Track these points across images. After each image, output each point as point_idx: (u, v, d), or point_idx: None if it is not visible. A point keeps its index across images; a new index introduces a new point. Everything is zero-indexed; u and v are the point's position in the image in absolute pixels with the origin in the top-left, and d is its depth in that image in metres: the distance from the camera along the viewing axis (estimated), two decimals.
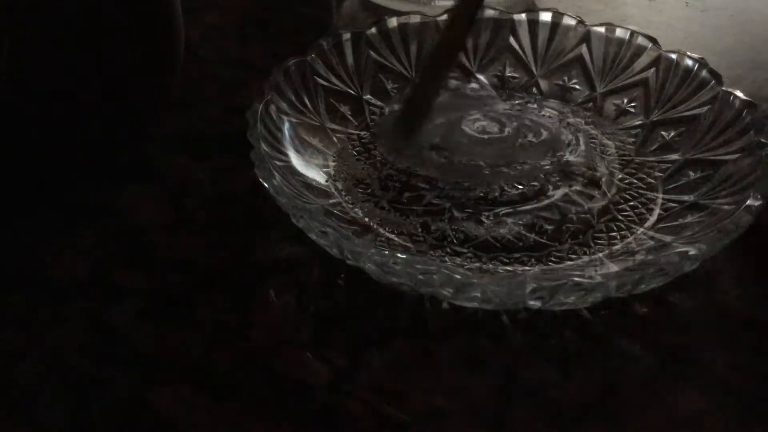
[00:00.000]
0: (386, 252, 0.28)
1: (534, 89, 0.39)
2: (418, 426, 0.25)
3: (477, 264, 0.30)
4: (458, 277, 0.26)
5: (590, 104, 0.38)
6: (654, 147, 0.35)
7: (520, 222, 0.31)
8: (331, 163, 0.35)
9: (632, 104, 0.37)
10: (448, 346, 0.28)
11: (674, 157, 0.34)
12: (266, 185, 0.29)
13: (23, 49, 0.32)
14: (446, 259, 0.30)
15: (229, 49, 0.46)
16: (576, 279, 0.26)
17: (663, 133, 0.35)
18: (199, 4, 0.49)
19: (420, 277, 0.27)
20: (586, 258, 0.30)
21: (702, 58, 0.36)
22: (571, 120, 0.37)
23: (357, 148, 0.36)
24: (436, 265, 0.27)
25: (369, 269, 0.28)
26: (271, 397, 0.26)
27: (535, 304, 0.27)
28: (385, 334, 0.28)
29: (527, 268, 0.30)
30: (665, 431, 0.25)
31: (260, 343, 0.28)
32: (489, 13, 0.39)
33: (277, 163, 0.32)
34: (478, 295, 0.27)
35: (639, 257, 0.29)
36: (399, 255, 0.27)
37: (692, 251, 0.27)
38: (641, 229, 0.31)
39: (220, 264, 0.31)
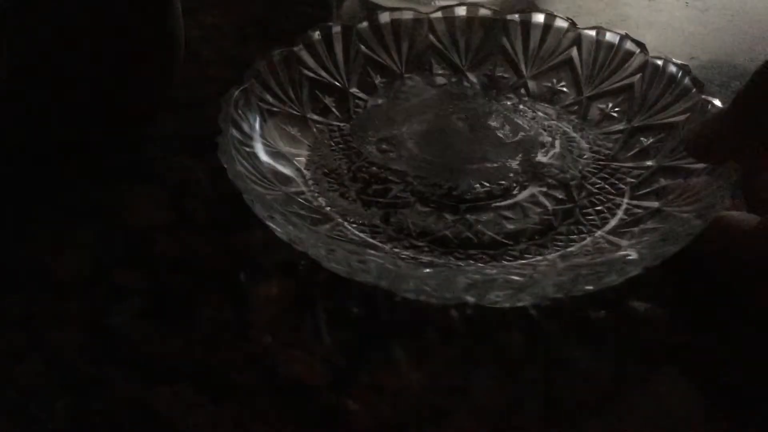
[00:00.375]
0: (325, 238, 0.27)
1: (522, 90, 0.39)
2: (418, 426, 0.25)
3: (428, 258, 0.30)
4: (390, 267, 0.26)
5: (576, 107, 0.38)
6: (632, 153, 0.35)
7: (481, 219, 0.31)
8: (306, 153, 0.35)
9: (616, 109, 0.37)
10: (448, 346, 0.28)
11: (648, 163, 0.34)
12: (226, 168, 0.29)
13: (23, 49, 0.32)
14: (401, 251, 0.30)
15: (229, 49, 0.46)
16: (507, 276, 0.25)
17: (642, 139, 0.35)
18: (199, 4, 0.49)
19: (356, 264, 0.26)
20: (539, 258, 0.30)
21: (685, 65, 0.35)
22: (554, 122, 0.37)
23: (335, 140, 0.36)
24: (371, 254, 0.27)
25: (315, 255, 0.27)
26: (271, 397, 0.26)
27: (470, 299, 0.27)
28: (385, 334, 0.28)
29: (480, 264, 0.29)
30: (664, 431, 0.25)
31: (260, 343, 0.28)
32: (483, 12, 0.39)
33: (245, 148, 0.32)
34: (411, 286, 0.27)
35: (584, 260, 0.29)
36: (339, 243, 0.26)
37: (632, 255, 0.27)
38: (600, 233, 0.31)
39: (220, 264, 0.31)
